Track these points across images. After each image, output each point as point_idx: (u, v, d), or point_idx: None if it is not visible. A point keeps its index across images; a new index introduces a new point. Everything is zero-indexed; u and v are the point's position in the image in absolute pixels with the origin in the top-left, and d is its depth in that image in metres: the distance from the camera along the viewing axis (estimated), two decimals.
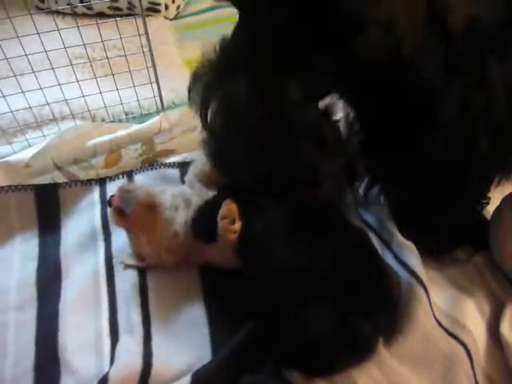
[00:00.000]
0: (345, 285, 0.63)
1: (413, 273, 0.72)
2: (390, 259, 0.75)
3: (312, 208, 0.71)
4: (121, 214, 0.76)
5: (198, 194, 0.77)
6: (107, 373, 0.64)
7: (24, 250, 0.84)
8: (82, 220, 0.88)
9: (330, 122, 0.63)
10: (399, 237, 0.74)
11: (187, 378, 0.62)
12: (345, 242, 0.68)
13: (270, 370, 0.63)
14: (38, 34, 0.89)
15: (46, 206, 0.90)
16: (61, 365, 0.68)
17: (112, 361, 0.68)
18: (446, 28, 0.55)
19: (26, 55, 0.91)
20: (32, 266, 0.81)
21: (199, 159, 0.83)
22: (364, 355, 0.63)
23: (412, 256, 0.73)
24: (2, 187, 0.90)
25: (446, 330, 0.68)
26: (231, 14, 1.54)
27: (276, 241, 0.68)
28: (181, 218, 0.74)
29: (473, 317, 0.70)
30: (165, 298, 0.76)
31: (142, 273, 0.78)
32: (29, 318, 0.74)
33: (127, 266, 0.79)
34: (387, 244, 0.78)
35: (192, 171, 0.84)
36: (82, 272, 0.80)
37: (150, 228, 0.75)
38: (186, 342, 0.70)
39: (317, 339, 0.60)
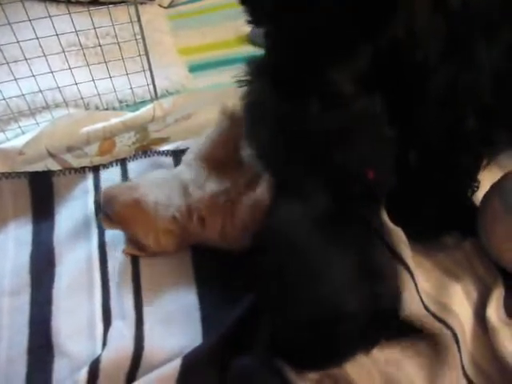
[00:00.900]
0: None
1: (400, 259, 0.73)
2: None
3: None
4: (108, 218, 0.77)
5: (194, 174, 0.78)
6: (99, 355, 0.65)
7: (18, 236, 0.85)
8: (76, 207, 0.89)
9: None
10: (389, 223, 0.75)
11: (178, 361, 0.63)
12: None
13: (260, 356, 0.64)
14: (30, 20, 0.89)
15: (40, 194, 0.91)
16: (54, 348, 0.70)
17: (104, 344, 0.69)
18: (446, 7, 0.55)
19: (19, 42, 0.91)
20: (26, 251, 0.82)
21: (205, 140, 0.84)
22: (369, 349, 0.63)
23: (399, 242, 0.74)
24: None
25: (433, 314, 0.69)
26: (226, 2, 1.54)
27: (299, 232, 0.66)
28: (176, 201, 0.75)
29: (460, 302, 0.71)
30: (157, 284, 0.77)
31: (134, 259, 0.79)
32: (22, 302, 0.75)
33: (129, 255, 0.79)
34: (377, 231, 0.79)
35: (193, 151, 0.84)
36: (75, 258, 0.81)
37: (142, 222, 0.76)
38: (177, 326, 0.71)
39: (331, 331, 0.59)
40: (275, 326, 0.63)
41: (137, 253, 0.79)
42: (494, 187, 0.77)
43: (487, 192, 0.78)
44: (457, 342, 0.66)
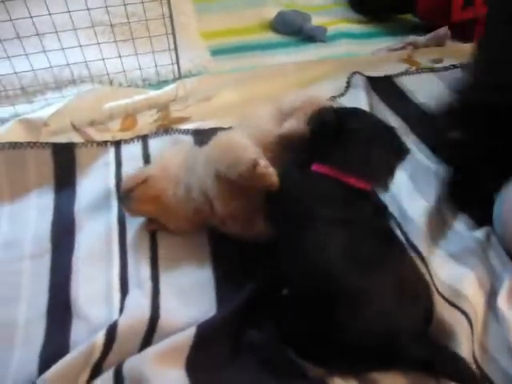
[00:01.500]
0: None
1: (415, 249, 0.75)
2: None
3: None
4: (129, 210, 0.80)
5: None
6: (116, 320, 0.67)
7: (40, 204, 0.87)
8: (97, 179, 0.91)
9: None
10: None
11: (192, 329, 0.65)
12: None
13: (270, 331, 0.65)
14: None
15: (63, 164, 0.93)
16: (72, 311, 0.71)
17: (121, 310, 0.71)
18: None
19: (50, 14, 0.92)
20: (47, 218, 0.84)
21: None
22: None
23: (418, 233, 0.77)
24: (21, 143, 0.93)
25: (448, 300, 0.70)
26: None
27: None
28: (196, 194, 0.75)
29: (473, 290, 0.72)
30: (174, 257, 0.78)
31: (153, 233, 0.81)
32: (43, 267, 0.77)
33: (150, 229, 0.82)
34: (399, 226, 0.81)
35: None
36: (95, 228, 0.83)
37: (163, 213, 0.78)
38: (192, 299, 0.73)
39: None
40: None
41: (157, 228, 0.81)
42: None
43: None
44: (471, 325, 0.67)
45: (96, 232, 0.82)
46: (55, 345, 0.67)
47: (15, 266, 0.77)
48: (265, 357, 0.62)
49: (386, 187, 0.72)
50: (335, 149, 0.67)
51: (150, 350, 0.63)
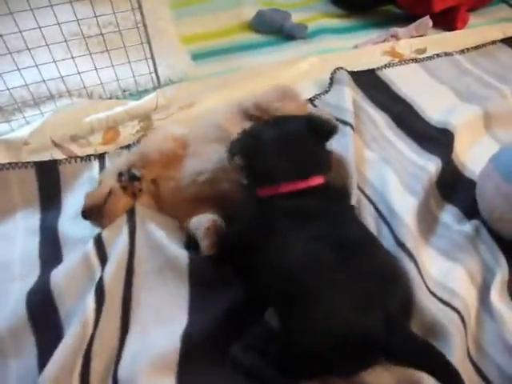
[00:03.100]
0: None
1: (405, 248, 0.74)
2: (388, 237, 0.77)
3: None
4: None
5: None
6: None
7: (27, 225, 0.85)
8: (82, 195, 0.89)
9: None
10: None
11: (177, 342, 0.63)
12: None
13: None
14: (32, 10, 0.89)
15: (47, 183, 0.91)
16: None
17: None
18: None
19: (21, 32, 0.91)
20: (34, 239, 0.83)
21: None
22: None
23: (406, 232, 0.75)
24: (3, 164, 0.92)
25: (440, 299, 0.69)
26: None
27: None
28: None
29: (465, 286, 0.71)
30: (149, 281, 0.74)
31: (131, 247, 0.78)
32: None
33: None
34: (387, 224, 0.80)
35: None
36: (79, 245, 0.80)
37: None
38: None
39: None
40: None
41: None
42: (492, 160, 0.78)
43: (485, 166, 0.79)
44: (463, 323, 0.66)
45: (80, 249, 0.81)
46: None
47: (5, 287, 0.76)
48: (251, 369, 0.61)
49: (328, 171, 0.72)
50: (262, 169, 0.70)
51: (143, 364, 0.61)
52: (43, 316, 0.68)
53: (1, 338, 0.66)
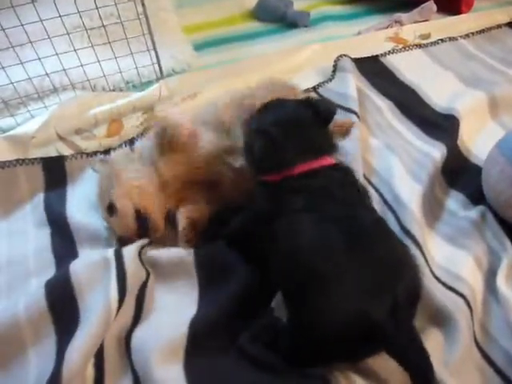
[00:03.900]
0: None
1: (410, 235, 0.74)
2: (393, 224, 0.77)
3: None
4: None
5: None
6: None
7: (36, 218, 0.86)
8: (88, 188, 0.89)
9: None
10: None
11: (185, 329, 0.64)
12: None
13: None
14: (33, 2, 0.89)
15: (53, 176, 0.92)
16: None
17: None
18: None
19: (23, 25, 0.91)
20: (45, 232, 0.83)
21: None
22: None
23: (411, 220, 0.75)
24: (10, 161, 0.92)
25: (445, 284, 0.69)
26: None
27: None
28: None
29: (471, 271, 0.71)
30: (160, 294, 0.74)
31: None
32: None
33: None
34: (393, 211, 0.80)
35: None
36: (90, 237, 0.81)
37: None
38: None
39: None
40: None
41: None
42: (498, 145, 0.78)
43: (491, 151, 0.79)
44: (469, 308, 0.66)
45: (93, 240, 0.81)
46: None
47: (22, 282, 0.76)
48: (259, 358, 0.61)
49: (335, 151, 0.72)
50: (274, 153, 0.69)
51: (151, 349, 0.62)
52: (63, 306, 0.68)
53: (20, 326, 0.66)
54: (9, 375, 0.64)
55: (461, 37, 1.21)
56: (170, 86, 1.06)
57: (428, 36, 1.22)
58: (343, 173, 0.70)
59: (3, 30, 0.90)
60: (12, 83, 0.98)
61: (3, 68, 0.95)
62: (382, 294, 0.56)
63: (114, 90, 1.10)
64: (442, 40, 1.20)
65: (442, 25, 1.26)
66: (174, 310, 0.69)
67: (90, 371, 0.63)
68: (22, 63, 0.96)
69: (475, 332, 0.66)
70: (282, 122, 0.71)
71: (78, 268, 0.72)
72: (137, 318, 0.69)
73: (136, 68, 1.07)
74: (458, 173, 0.87)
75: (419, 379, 0.55)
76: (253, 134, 0.71)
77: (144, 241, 0.76)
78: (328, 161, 0.69)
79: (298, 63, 1.15)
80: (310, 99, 0.75)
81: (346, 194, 0.66)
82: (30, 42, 0.94)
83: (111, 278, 0.69)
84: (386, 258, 0.59)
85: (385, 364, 0.60)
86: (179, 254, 0.74)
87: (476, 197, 0.81)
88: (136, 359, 0.63)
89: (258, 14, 1.38)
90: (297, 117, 0.72)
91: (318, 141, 0.71)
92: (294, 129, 0.70)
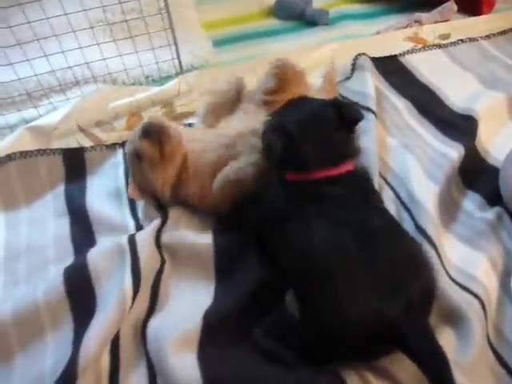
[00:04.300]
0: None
1: (426, 235, 0.74)
2: (409, 223, 0.77)
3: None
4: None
5: None
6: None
7: (56, 207, 0.88)
8: (107, 178, 0.92)
9: None
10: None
11: (199, 320, 0.65)
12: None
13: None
14: None
15: (73, 168, 0.94)
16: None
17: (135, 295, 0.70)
18: None
19: (48, 19, 0.93)
20: (65, 221, 0.85)
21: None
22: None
23: (427, 220, 0.75)
24: (32, 151, 0.94)
25: (459, 284, 0.69)
26: None
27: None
28: None
29: (486, 272, 0.71)
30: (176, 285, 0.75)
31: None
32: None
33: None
34: (408, 210, 0.80)
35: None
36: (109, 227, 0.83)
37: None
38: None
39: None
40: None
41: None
42: None
43: (509, 153, 0.79)
44: (483, 308, 0.66)
45: (112, 229, 0.82)
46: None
47: (42, 269, 0.78)
48: (272, 352, 0.62)
49: (356, 156, 0.72)
50: (292, 155, 0.69)
51: (166, 339, 0.64)
52: (80, 293, 0.70)
53: (39, 311, 0.68)
54: (29, 357, 0.66)
55: (481, 37, 1.20)
56: (189, 81, 1.08)
57: (448, 36, 1.22)
58: (360, 178, 0.70)
59: (29, 22, 0.92)
60: (36, 75, 1.00)
61: (28, 60, 0.98)
62: (397, 294, 0.56)
63: (133, 84, 1.12)
64: (461, 40, 1.20)
65: (462, 25, 1.25)
66: (190, 300, 0.70)
67: (106, 358, 0.65)
68: (46, 56, 0.98)
69: (489, 333, 0.66)
70: (303, 122, 0.69)
71: (95, 255, 0.74)
72: (152, 307, 0.70)
73: (156, 63, 1.08)
74: (475, 173, 0.87)
75: (436, 379, 0.55)
76: (271, 130, 0.71)
77: (158, 222, 0.78)
78: (346, 167, 0.69)
79: (318, 61, 1.15)
80: (336, 100, 0.74)
81: (360, 199, 0.66)
82: (55, 35, 0.96)
83: (126, 266, 0.71)
84: (400, 257, 0.60)
85: (401, 364, 0.60)
86: (196, 240, 0.75)
87: (493, 198, 0.81)
88: (151, 348, 0.65)
89: (276, 11, 1.39)
90: (319, 118, 0.70)
91: (338, 147, 0.69)
92: (314, 130, 0.69)
